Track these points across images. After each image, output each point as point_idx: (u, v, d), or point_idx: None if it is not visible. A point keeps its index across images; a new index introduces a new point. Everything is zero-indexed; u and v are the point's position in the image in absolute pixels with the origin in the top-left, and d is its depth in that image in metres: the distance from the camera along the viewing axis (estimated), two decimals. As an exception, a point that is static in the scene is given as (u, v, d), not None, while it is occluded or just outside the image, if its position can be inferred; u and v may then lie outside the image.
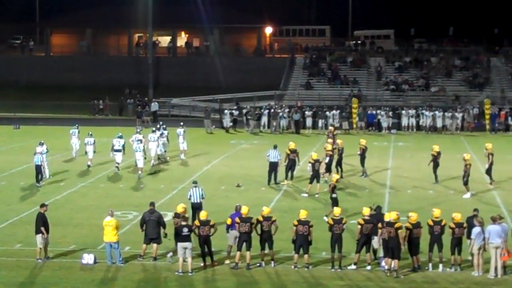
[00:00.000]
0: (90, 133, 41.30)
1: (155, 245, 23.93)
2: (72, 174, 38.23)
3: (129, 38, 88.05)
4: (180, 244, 22.75)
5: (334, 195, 28.62)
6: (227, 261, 23.68)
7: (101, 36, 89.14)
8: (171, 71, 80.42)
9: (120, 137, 39.32)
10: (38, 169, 35.23)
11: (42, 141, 37.78)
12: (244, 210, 23.58)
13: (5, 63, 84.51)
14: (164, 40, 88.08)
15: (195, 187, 27.92)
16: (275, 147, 36.21)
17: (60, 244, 25.48)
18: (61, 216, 29.55)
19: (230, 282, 22.12)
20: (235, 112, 59.24)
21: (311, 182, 33.54)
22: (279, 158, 35.67)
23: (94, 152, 40.18)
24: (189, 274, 22.56)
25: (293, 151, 35.56)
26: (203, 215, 23.63)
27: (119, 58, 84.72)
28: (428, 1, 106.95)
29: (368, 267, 23.09)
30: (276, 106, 61.03)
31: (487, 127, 57.46)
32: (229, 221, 23.87)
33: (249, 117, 57.21)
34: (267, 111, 58.44)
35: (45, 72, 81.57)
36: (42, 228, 23.65)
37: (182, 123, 44.72)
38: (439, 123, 56.85)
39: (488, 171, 35.82)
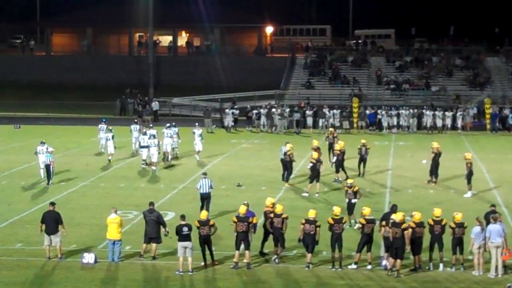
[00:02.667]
0: (111, 128, 42.66)
1: (154, 244, 23.97)
2: (72, 174, 38.23)
3: (129, 37, 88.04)
4: (180, 244, 22.77)
5: (354, 200, 28.39)
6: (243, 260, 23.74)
7: (102, 35, 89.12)
8: (172, 70, 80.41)
9: (145, 133, 40.68)
10: (48, 168, 35.31)
11: (44, 141, 37.91)
12: (241, 209, 23.61)
13: (5, 62, 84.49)
14: (165, 40, 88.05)
15: (205, 178, 29.07)
16: (286, 144, 36.48)
17: (61, 243, 25.46)
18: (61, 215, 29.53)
19: (230, 281, 22.12)
20: (236, 112, 59.16)
21: (311, 182, 33.56)
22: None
23: (115, 147, 41.58)
24: (189, 273, 22.57)
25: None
26: (203, 214, 23.67)
27: (119, 58, 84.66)
28: (428, 1, 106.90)
29: (369, 267, 23.09)
30: (276, 106, 61.00)
31: (488, 126, 57.39)
32: (256, 220, 23.98)
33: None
34: (266, 110, 58.41)
35: (45, 71, 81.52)
36: (61, 226, 24.02)
37: (197, 123, 45.25)
38: (439, 123, 56.77)
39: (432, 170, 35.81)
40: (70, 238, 26.11)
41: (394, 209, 24.28)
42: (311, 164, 33.78)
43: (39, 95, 73.54)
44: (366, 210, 23.55)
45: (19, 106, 67.56)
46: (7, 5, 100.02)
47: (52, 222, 24.06)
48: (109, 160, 41.33)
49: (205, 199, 28.88)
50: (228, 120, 58.01)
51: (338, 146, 36.75)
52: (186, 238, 22.77)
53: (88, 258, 23.46)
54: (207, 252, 23.30)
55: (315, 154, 34.04)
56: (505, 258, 22.46)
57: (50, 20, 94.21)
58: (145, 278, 22.39)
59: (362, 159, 37.45)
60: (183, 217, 23.33)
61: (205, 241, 23.21)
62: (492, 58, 76.34)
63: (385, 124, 57.20)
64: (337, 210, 23.68)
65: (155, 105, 63.92)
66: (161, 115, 62.78)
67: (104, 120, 45.90)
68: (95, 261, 23.40)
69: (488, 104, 58.05)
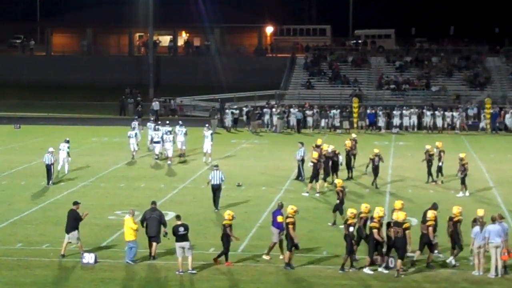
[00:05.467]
0: (134, 126, 44.47)
1: (154, 244, 23.99)
2: (72, 174, 38.21)
3: (129, 37, 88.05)
4: (177, 244, 22.76)
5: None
6: (265, 257, 23.79)
7: (102, 35, 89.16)
8: (172, 70, 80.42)
9: (157, 129, 42.41)
10: (49, 168, 35.36)
11: (68, 139, 38.98)
12: (288, 209, 23.52)
13: (6, 62, 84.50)
14: (165, 40, 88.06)
15: (216, 170, 30.49)
16: (302, 144, 36.60)
17: (61, 243, 25.45)
18: (61, 215, 29.44)
19: (231, 281, 22.09)
20: (236, 112, 59.12)
21: (311, 181, 33.57)
22: (302, 155, 36.16)
23: (137, 144, 42.82)
24: (189, 272, 22.53)
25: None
26: (226, 213, 23.62)
27: (119, 58, 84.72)
28: (429, 1, 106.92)
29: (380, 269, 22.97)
30: (275, 105, 60.94)
31: (488, 126, 57.31)
32: (280, 219, 23.88)
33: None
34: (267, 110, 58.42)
35: (45, 71, 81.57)
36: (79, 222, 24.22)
37: (207, 125, 45.60)
38: (439, 123, 56.74)
39: (439, 169, 35.71)
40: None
41: (435, 207, 24.27)
42: (311, 164, 33.84)
43: (39, 95, 73.56)
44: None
45: (19, 106, 67.57)
46: (7, 5, 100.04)
47: (70, 220, 24.26)
48: (132, 157, 42.40)
49: (216, 190, 30.26)
50: (228, 120, 57.99)
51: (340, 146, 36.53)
52: (183, 238, 22.74)
53: (88, 258, 23.47)
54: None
55: (315, 154, 34.06)
56: (504, 258, 22.47)
57: (50, 20, 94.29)
58: (145, 278, 22.40)
59: (375, 170, 35.30)
60: (178, 217, 23.31)
61: (222, 239, 23.32)
62: (492, 58, 76.34)
63: (382, 124, 57.07)
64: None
65: (155, 105, 63.95)
66: (161, 115, 62.69)
67: (136, 117, 48.12)
68: (95, 261, 23.40)
69: (489, 104, 57.99)
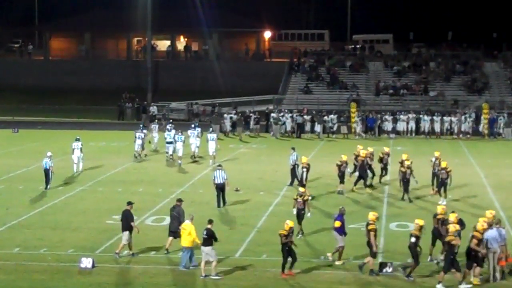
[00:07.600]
0: (142, 126, 45.79)
1: (171, 238, 24.64)
2: (70, 178, 38.20)
3: (128, 42, 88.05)
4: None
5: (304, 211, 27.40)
6: (338, 262, 23.85)
7: (100, 40, 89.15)
8: (170, 75, 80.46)
9: (170, 130, 43.99)
10: (47, 172, 35.40)
11: (78, 137, 40.34)
12: (370, 216, 23.23)
13: (4, 66, 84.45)
14: (163, 44, 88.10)
15: (219, 169, 31.74)
16: (294, 149, 36.81)
17: (59, 248, 25.48)
18: (59, 220, 29.57)
19: (229, 285, 22.07)
20: (234, 116, 59.08)
21: (303, 186, 33.51)
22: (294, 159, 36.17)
23: (143, 144, 44.34)
24: (200, 277, 22.54)
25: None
26: (287, 223, 23.28)
27: (117, 62, 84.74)
28: (427, 6, 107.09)
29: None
30: (274, 110, 60.95)
31: (485, 132, 57.25)
32: (337, 224, 24.06)
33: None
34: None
35: (43, 76, 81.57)
36: (133, 224, 24.57)
37: (211, 129, 46.53)
38: (437, 128, 56.72)
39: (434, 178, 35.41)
40: (68, 242, 26.13)
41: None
42: (305, 170, 33.99)
43: (37, 99, 73.49)
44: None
45: (17, 110, 67.50)
46: (5, 9, 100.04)
47: (123, 220, 24.65)
48: (142, 155, 44.35)
49: (220, 189, 31.55)
50: (227, 125, 57.95)
51: (344, 157, 35.89)
52: (204, 242, 22.77)
53: (86, 262, 23.44)
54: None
55: (304, 159, 34.32)
56: (502, 263, 22.47)
57: (49, 25, 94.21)
58: (142, 283, 22.36)
59: (405, 178, 33.89)
60: (209, 221, 23.20)
61: (282, 251, 22.94)
62: (490, 63, 76.36)
63: (358, 129, 56.79)
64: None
65: (153, 109, 63.94)
66: (159, 120, 62.59)
67: (155, 120, 52.33)
68: (93, 266, 23.38)
69: (486, 109, 57.97)
